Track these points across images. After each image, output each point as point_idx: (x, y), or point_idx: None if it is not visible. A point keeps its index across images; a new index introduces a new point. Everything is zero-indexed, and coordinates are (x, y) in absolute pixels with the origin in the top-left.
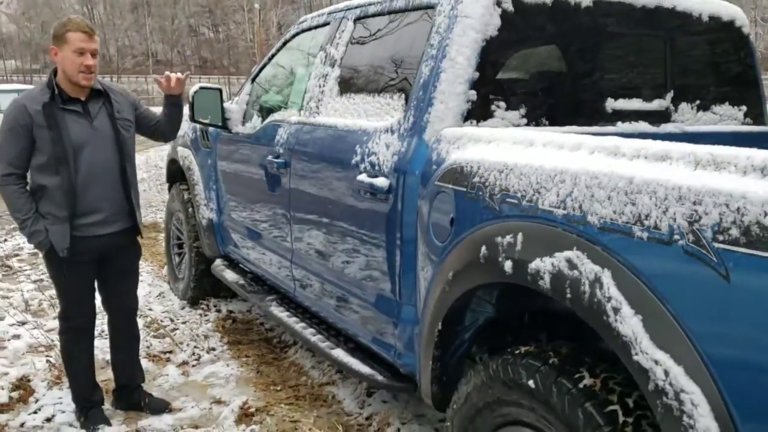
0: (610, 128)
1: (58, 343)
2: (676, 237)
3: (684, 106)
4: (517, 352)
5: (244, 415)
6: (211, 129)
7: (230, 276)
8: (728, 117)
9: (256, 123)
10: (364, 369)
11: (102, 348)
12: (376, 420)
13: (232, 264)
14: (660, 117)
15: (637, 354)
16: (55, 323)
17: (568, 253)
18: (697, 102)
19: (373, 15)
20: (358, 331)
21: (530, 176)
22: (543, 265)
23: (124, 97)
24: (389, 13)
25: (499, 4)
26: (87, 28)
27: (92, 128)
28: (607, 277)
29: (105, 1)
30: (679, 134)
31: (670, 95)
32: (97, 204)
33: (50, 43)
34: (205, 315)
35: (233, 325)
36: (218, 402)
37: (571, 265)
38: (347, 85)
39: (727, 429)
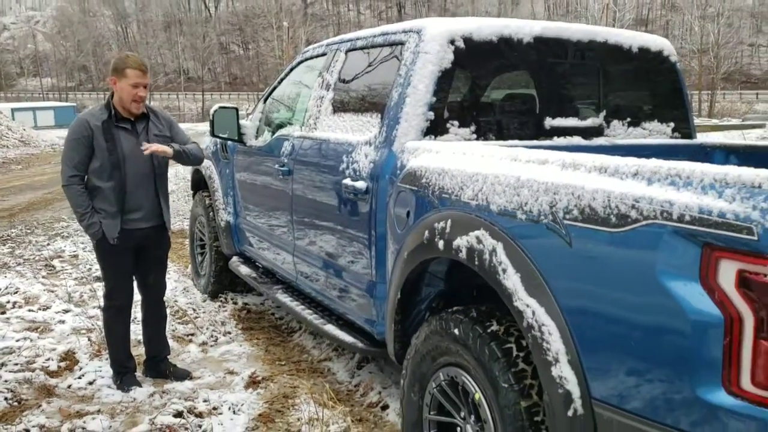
0: (547, 142)
1: (98, 327)
2: (542, 217)
3: (615, 123)
4: (449, 311)
5: (252, 382)
6: (229, 142)
7: (244, 270)
8: (657, 132)
9: (266, 137)
10: (348, 338)
11: (134, 330)
12: (362, 386)
13: (247, 260)
14: (593, 132)
15: (516, 301)
16: (95, 311)
17: (476, 232)
18: (628, 119)
19: (360, 48)
20: (345, 308)
21: (457, 177)
22: (461, 242)
23: (164, 117)
24: (372, 47)
25: (452, 42)
26: (143, 66)
27: (138, 143)
28: (499, 247)
29: (138, 20)
30: (608, 146)
31: (602, 114)
32: (140, 203)
33: (85, 61)
34: (224, 306)
35: (247, 314)
36: (231, 373)
37: (478, 240)
38: (339, 106)
39: (569, 348)
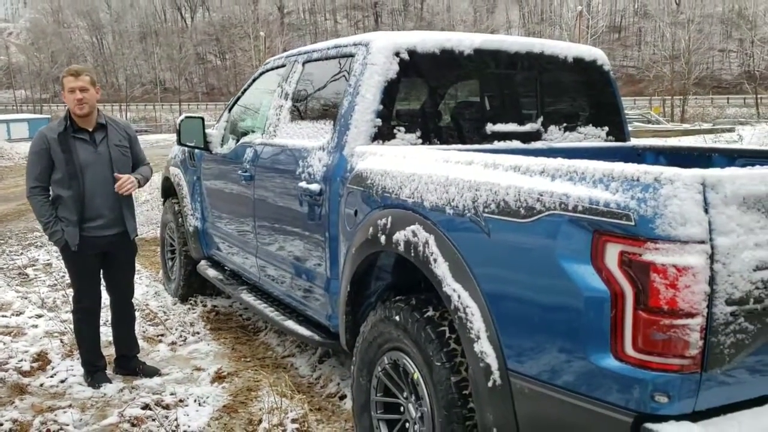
0: (488, 146)
1: (70, 329)
2: (466, 212)
3: (553, 128)
4: (392, 300)
5: (218, 377)
6: (196, 150)
7: (212, 273)
8: (592, 136)
9: (231, 145)
10: (306, 332)
11: (105, 333)
12: (322, 378)
13: (215, 264)
14: (532, 137)
15: (445, 286)
16: (68, 315)
17: (412, 227)
18: (564, 124)
19: (316, 60)
20: (304, 305)
21: (397, 178)
22: (399, 236)
23: (124, 129)
24: (326, 58)
25: (397, 54)
26: (74, 71)
27: (96, 152)
28: (431, 240)
29: (114, 31)
30: (545, 149)
31: (540, 120)
32: (100, 211)
33: (59, 72)
34: (193, 308)
35: (216, 316)
36: (198, 369)
37: (414, 234)
38: (296, 114)
39: (489, 326)
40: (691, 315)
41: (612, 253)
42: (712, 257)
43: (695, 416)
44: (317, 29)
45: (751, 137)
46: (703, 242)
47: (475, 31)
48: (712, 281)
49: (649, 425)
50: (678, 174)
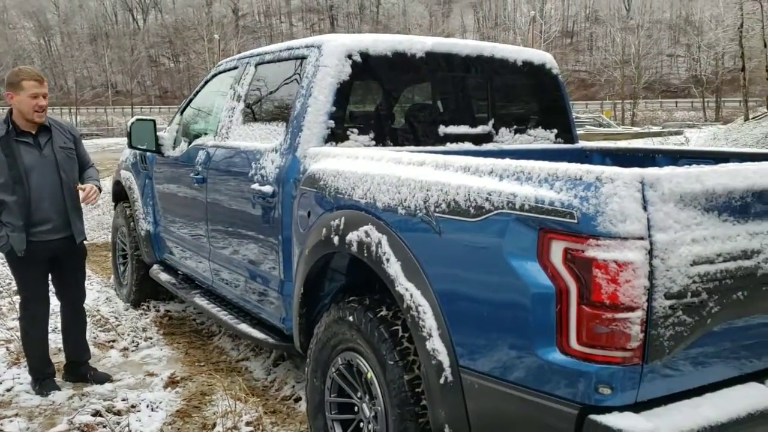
0: (440, 147)
1: (17, 337)
2: (418, 211)
3: (503, 130)
4: (346, 300)
5: (171, 382)
6: (148, 153)
7: (164, 277)
8: (542, 138)
9: (183, 147)
10: (260, 335)
11: (54, 340)
12: (277, 381)
13: (168, 268)
14: (483, 138)
15: (398, 285)
16: (14, 323)
17: (365, 227)
18: (515, 127)
19: (268, 62)
20: (258, 308)
21: (350, 179)
22: (352, 236)
23: (68, 131)
24: (278, 60)
25: (350, 57)
26: (38, 77)
27: (41, 156)
28: (384, 240)
29: (62, 33)
30: (496, 151)
31: (491, 122)
32: (47, 215)
33: (5, 75)
34: (146, 313)
35: (169, 321)
36: (151, 374)
37: (366, 234)
38: (249, 116)
39: (440, 324)
40: (631, 309)
41: (557, 250)
42: (651, 253)
43: (638, 407)
44: (272, 32)
45: (697, 139)
46: (642, 238)
47: (431, 35)
48: (651, 276)
49: (593, 417)
50: (618, 173)
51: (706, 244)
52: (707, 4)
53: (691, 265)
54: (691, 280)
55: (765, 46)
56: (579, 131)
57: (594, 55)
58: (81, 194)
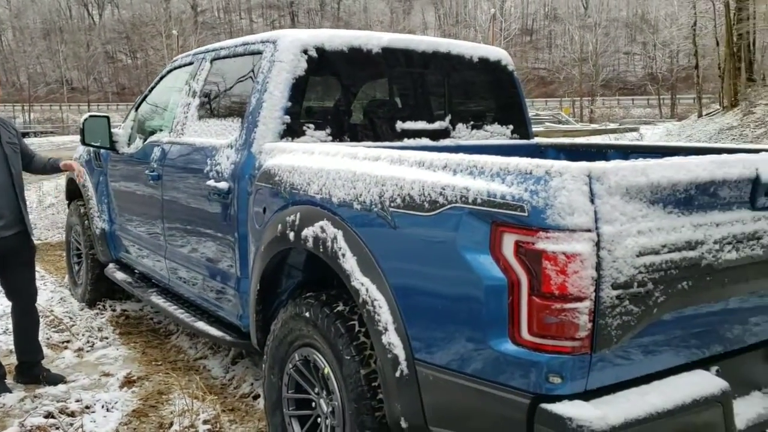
0: (398, 143)
1: None
2: (373, 206)
3: (460, 126)
4: (302, 296)
5: (128, 382)
6: (102, 151)
7: (120, 276)
8: (498, 134)
9: (138, 144)
10: (217, 333)
11: (5, 341)
12: (236, 379)
13: (124, 267)
14: (440, 134)
15: (353, 280)
16: None
17: (321, 223)
18: (471, 123)
19: (224, 57)
20: (215, 305)
21: (305, 174)
22: (308, 232)
23: (11, 125)
24: (234, 56)
25: (305, 52)
26: None
27: None
28: (339, 235)
29: (14, 27)
30: (453, 147)
31: (448, 118)
32: (0, 212)
33: None
34: (101, 313)
35: (126, 320)
36: (106, 375)
37: (322, 230)
38: (204, 112)
39: (396, 318)
40: (579, 299)
41: (508, 243)
42: (598, 244)
43: (587, 395)
44: (232, 28)
45: (651, 136)
46: (589, 230)
47: (392, 32)
48: (598, 267)
49: (544, 405)
50: (566, 167)
51: (652, 235)
52: (662, 2)
53: (637, 256)
54: (637, 271)
55: (717, 44)
56: (539, 128)
57: (553, 52)
58: (75, 170)
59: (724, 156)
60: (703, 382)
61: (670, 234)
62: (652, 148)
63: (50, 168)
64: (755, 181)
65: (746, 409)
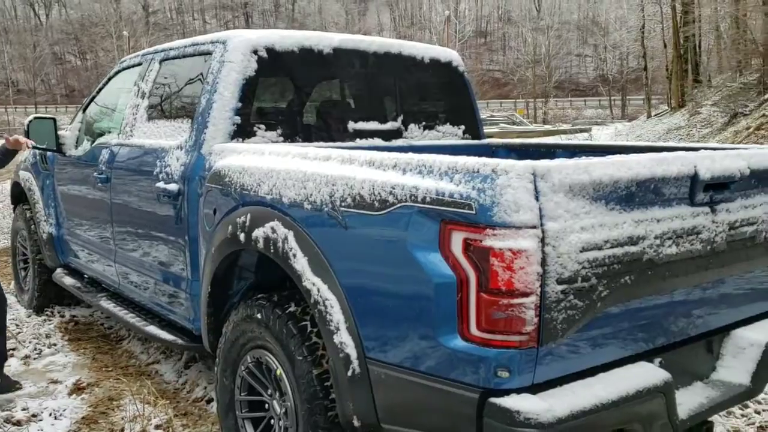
0: (350, 144)
1: None
2: (324, 206)
3: (413, 126)
4: (254, 298)
5: (77, 389)
6: (48, 153)
7: (69, 281)
8: (450, 134)
9: (86, 146)
10: (169, 337)
11: None
12: (189, 383)
13: (72, 272)
14: (393, 135)
15: (305, 281)
16: None
17: (271, 223)
18: (423, 123)
19: (173, 58)
20: (166, 309)
21: (255, 175)
22: (259, 233)
23: None
24: (183, 56)
25: (255, 52)
26: None
27: None
28: (290, 235)
29: None
30: (406, 147)
31: (401, 118)
32: None
33: None
34: (49, 319)
35: (75, 326)
36: (55, 382)
37: (273, 230)
38: (153, 113)
39: (348, 317)
40: (526, 294)
41: (457, 241)
42: (543, 240)
43: (535, 388)
44: (185, 29)
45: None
46: (534, 227)
47: (347, 33)
48: (543, 263)
49: (493, 400)
50: (512, 165)
51: (594, 231)
52: (612, 5)
53: (581, 251)
54: (580, 266)
55: (665, 46)
56: (494, 129)
57: (507, 54)
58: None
59: (664, 154)
60: (647, 374)
61: (612, 230)
62: (598, 147)
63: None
64: (693, 178)
65: (688, 399)
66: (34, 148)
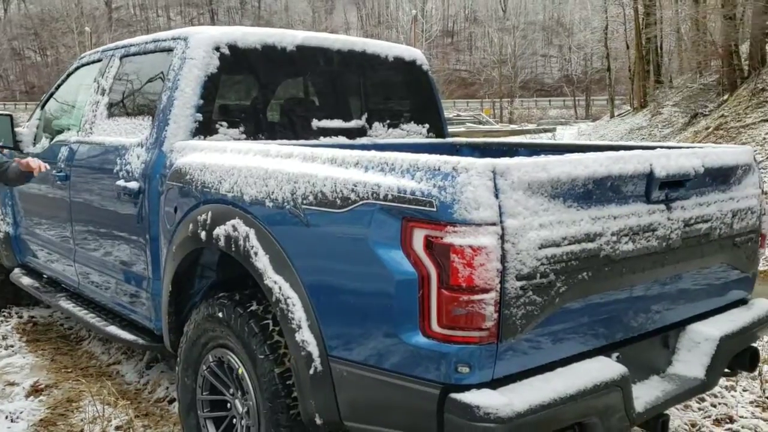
0: (314, 141)
1: None
2: (285, 204)
3: (377, 124)
4: (215, 297)
5: (35, 391)
6: (5, 150)
7: (26, 281)
8: (414, 132)
9: (45, 144)
10: (129, 336)
11: None
12: (150, 384)
13: (31, 271)
14: (357, 133)
15: (266, 279)
16: None
17: (233, 221)
18: (388, 121)
19: (133, 54)
20: (127, 309)
21: (216, 172)
22: (220, 231)
23: None
24: (144, 53)
25: (217, 49)
26: None
27: None
28: (251, 233)
29: None
30: (370, 145)
31: (365, 116)
32: None
33: None
34: (6, 320)
35: (33, 327)
36: (11, 384)
37: (234, 228)
38: (114, 110)
39: (309, 315)
40: (485, 290)
41: (418, 238)
42: (502, 237)
43: (495, 384)
44: (149, 26)
45: (567, 136)
46: (494, 224)
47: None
48: (503, 259)
49: (453, 395)
50: (472, 163)
51: (553, 228)
52: (577, 6)
53: (539, 248)
54: (539, 263)
55: (627, 47)
56: (460, 129)
57: (474, 54)
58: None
59: (621, 152)
60: (604, 368)
61: (570, 227)
62: (560, 146)
63: (14, 177)
64: (649, 176)
65: (645, 392)
66: None
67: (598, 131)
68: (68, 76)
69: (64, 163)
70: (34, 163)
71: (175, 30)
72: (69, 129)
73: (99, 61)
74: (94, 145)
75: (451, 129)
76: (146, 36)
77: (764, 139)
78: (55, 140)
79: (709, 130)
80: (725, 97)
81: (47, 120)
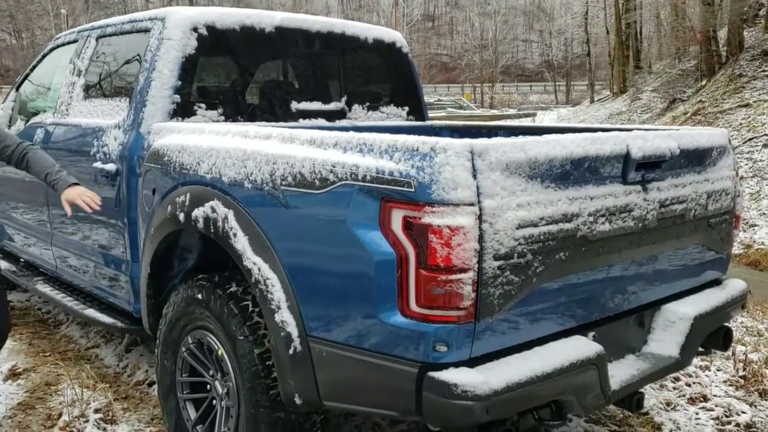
0: (293, 123)
1: None
2: (264, 185)
3: (357, 107)
4: (195, 278)
5: (13, 375)
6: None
7: (3, 265)
8: (394, 115)
9: (20, 126)
10: (108, 320)
11: None
12: (130, 367)
13: (7, 255)
14: (336, 115)
15: (245, 260)
16: None
17: (211, 203)
18: (367, 104)
19: (110, 35)
20: (105, 292)
21: (194, 153)
22: (198, 212)
23: None
24: (120, 33)
25: (195, 30)
26: None
27: None
28: (230, 215)
29: None
30: (350, 127)
31: (344, 99)
32: None
33: None
34: None
35: (11, 311)
36: None
37: (213, 210)
38: (90, 91)
39: (289, 296)
40: (463, 270)
41: (397, 218)
42: (480, 217)
43: (472, 362)
44: (127, 8)
45: (547, 120)
46: (472, 204)
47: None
48: (481, 239)
49: (432, 374)
50: (450, 143)
51: (530, 208)
52: None
53: (517, 228)
54: (517, 243)
55: (607, 33)
56: (441, 113)
57: (455, 39)
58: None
59: (598, 134)
60: (580, 347)
61: (547, 207)
62: (539, 129)
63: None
64: (626, 157)
65: (621, 371)
66: None
67: (578, 116)
68: (43, 57)
69: (40, 146)
70: (79, 199)
71: (153, 10)
72: (45, 111)
73: (75, 41)
74: (70, 126)
75: (431, 114)
76: (123, 16)
77: (740, 124)
78: (30, 122)
79: (687, 115)
80: (703, 82)
81: (22, 102)
